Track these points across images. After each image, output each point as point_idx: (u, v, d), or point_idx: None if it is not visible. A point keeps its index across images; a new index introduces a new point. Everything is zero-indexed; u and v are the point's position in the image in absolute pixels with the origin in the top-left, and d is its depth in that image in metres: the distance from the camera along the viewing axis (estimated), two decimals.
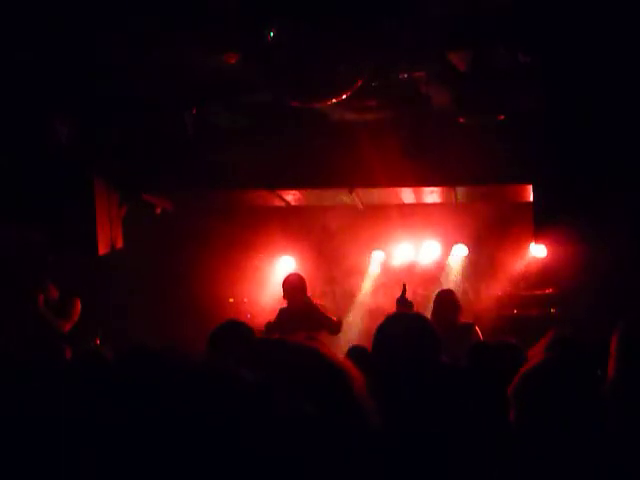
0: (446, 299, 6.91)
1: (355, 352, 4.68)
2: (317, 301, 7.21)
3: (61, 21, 5.00)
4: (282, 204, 8.77)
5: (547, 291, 9.04)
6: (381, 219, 8.84)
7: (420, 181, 7.64)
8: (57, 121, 6.48)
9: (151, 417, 0.97)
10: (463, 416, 2.81)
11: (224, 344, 3.59)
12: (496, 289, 9.18)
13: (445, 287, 7.85)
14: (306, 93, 4.99)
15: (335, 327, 6.88)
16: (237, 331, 3.99)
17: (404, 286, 6.48)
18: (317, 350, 1.34)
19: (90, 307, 7.30)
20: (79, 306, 7.10)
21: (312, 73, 4.80)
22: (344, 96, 4.99)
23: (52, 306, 7.01)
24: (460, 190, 8.09)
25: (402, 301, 6.43)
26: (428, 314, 6.13)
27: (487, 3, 5.06)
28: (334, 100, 5.04)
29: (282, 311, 7.06)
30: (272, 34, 4.65)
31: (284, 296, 7.06)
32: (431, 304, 7.14)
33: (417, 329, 3.08)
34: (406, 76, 5.96)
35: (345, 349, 4.89)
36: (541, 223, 6.53)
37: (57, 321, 6.92)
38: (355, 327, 8.64)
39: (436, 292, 7.24)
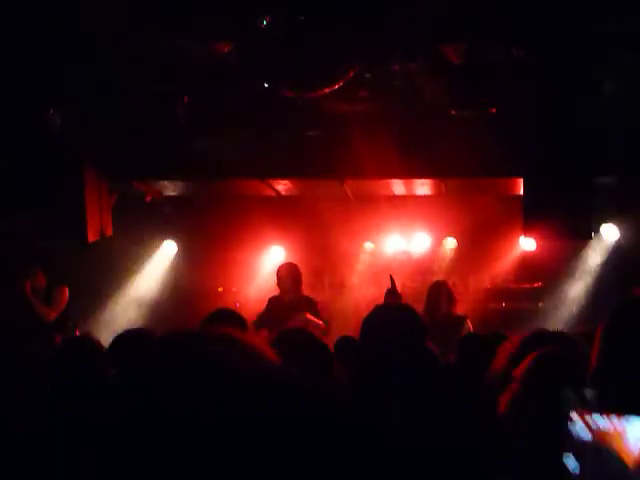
0: (439, 290, 6.94)
1: (343, 342, 4.70)
2: (312, 297, 7.12)
3: (55, 11, 4.98)
4: (273, 194, 8.77)
5: (536, 284, 9.09)
6: (372, 210, 8.85)
7: (411, 173, 7.65)
8: (49, 109, 6.44)
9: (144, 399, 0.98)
10: (449, 406, 2.83)
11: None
12: (485, 282, 9.23)
13: (434, 279, 7.88)
14: (299, 82, 4.98)
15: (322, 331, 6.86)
16: (227, 319, 4.01)
17: (391, 278, 6.49)
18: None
19: (76, 295, 7.26)
20: (66, 295, 7.04)
21: (305, 63, 4.79)
22: (337, 86, 4.98)
23: (39, 294, 6.95)
24: (451, 183, 8.11)
25: (391, 292, 6.44)
26: (417, 306, 6.15)
27: None
28: (327, 90, 5.03)
29: (272, 300, 7.00)
30: (265, 23, 4.64)
31: (278, 284, 7.00)
32: (420, 296, 7.17)
33: (404, 319, 3.10)
34: (399, 68, 5.95)
35: (334, 339, 4.91)
36: (531, 217, 6.56)
37: (43, 309, 6.87)
38: (344, 318, 8.66)
39: (429, 283, 7.27)
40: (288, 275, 6.90)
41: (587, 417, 1.57)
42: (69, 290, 7.09)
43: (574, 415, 1.58)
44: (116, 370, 3.32)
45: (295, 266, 7.10)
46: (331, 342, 4.91)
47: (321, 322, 6.59)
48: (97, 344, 3.85)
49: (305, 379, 1.14)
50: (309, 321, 6.35)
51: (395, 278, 7.04)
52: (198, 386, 0.99)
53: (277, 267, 7.18)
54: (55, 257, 7.38)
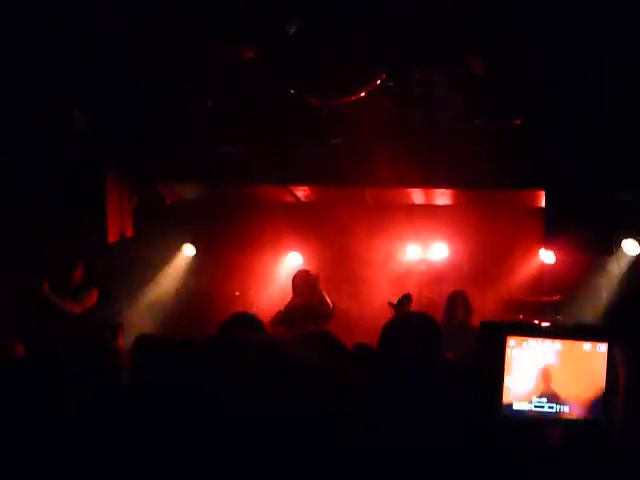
0: (457, 300, 6.95)
1: (360, 350, 4.69)
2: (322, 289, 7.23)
3: (84, 12, 5.03)
4: (292, 200, 8.78)
5: (554, 298, 9.03)
6: (390, 218, 8.83)
7: (431, 183, 7.64)
8: (75, 111, 6.51)
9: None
10: (467, 414, 2.83)
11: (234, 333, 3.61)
12: (503, 293, 9.18)
13: (452, 289, 7.86)
14: (324, 90, 5.00)
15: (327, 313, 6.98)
16: (246, 323, 4.01)
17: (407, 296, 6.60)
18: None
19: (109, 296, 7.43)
20: (95, 295, 7.20)
21: (331, 70, 4.82)
22: (362, 94, 5.00)
23: (70, 288, 7.11)
24: (471, 193, 8.09)
25: (401, 303, 6.55)
26: (435, 315, 6.15)
27: (503, 6, 5.07)
28: (352, 98, 5.05)
29: (290, 305, 7.09)
30: (292, 30, 4.66)
31: (293, 291, 7.09)
32: (437, 305, 7.16)
33: (422, 328, 3.10)
34: (422, 77, 5.96)
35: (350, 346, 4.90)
36: (551, 229, 6.54)
37: (67, 304, 7.01)
38: (361, 325, 8.65)
39: (446, 293, 7.27)
40: (303, 283, 7.02)
41: None
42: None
43: None
44: (134, 373, 3.34)
45: (309, 273, 7.23)
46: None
47: (329, 301, 6.75)
48: (115, 346, 3.88)
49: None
50: (316, 284, 6.54)
51: (412, 287, 7.07)
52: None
53: (293, 274, 7.29)
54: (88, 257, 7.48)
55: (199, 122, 6.60)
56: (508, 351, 2.59)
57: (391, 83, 5.64)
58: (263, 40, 5.13)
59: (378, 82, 4.98)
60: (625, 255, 8.72)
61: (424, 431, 2.56)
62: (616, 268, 8.76)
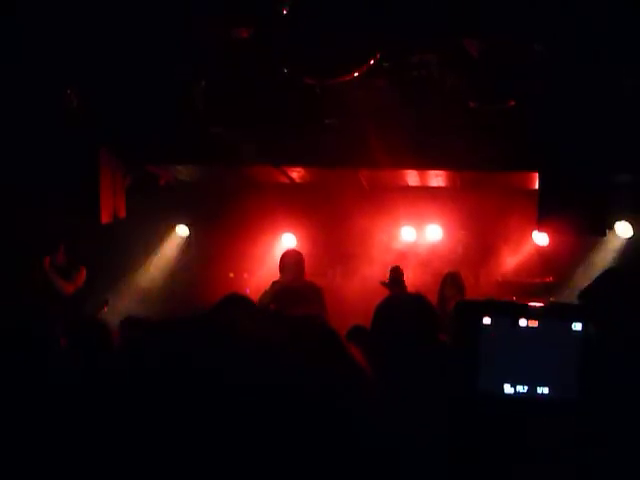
0: (453, 281, 6.98)
1: (356, 331, 4.71)
2: (317, 283, 7.10)
3: None
4: (287, 181, 8.76)
5: (547, 279, 9.06)
6: (385, 200, 8.83)
7: (426, 165, 7.63)
8: (67, 89, 6.47)
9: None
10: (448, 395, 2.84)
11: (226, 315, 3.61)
12: (496, 275, 9.20)
13: (445, 271, 7.89)
14: (318, 69, 4.97)
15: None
16: (239, 305, 4.02)
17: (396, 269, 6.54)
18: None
19: (97, 277, 7.42)
20: (84, 273, 7.24)
21: (325, 49, 4.78)
22: (356, 74, 4.97)
23: (59, 269, 7.14)
24: (465, 175, 8.09)
25: (394, 282, 6.51)
26: (429, 297, 6.16)
27: None
28: (346, 77, 5.02)
29: (276, 284, 6.91)
30: (287, 9, 4.63)
31: (281, 270, 6.94)
32: (431, 287, 7.18)
33: (416, 308, 3.11)
34: (418, 58, 5.92)
35: (346, 328, 4.91)
36: (545, 211, 6.54)
37: (62, 283, 7.05)
38: (354, 306, 8.67)
39: (440, 275, 7.30)
40: (294, 262, 6.90)
41: None
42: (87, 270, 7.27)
43: None
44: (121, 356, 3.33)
45: (300, 253, 7.11)
46: (338, 328, 4.92)
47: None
48: (105, 327, 3.88)
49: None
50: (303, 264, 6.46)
51: (406, 268, 7.06)
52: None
53: (282, 253, 7.17)
54: (70, 238, 7.48)
55: (193, 102, 6.56)
56: (483, 330, 2.57)
57: (386, 64, 5.61)
58: (257, 20, 5.09)
59: (372, 62, 4.95)
60: (618, 237, 8.75)
61: (413, 412, 2.56)
62: (609, 250, 8.79)
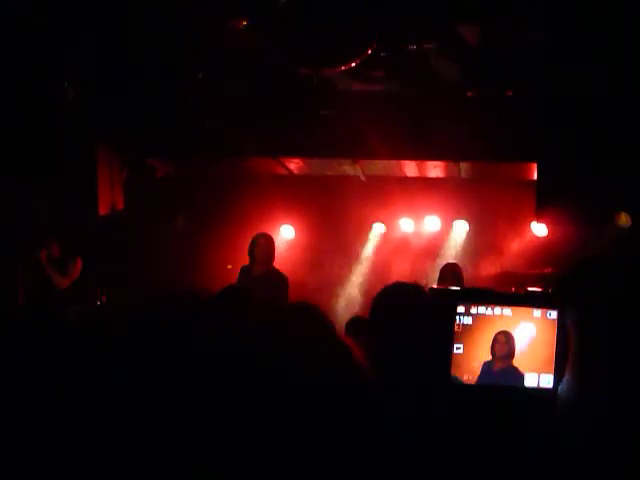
0: (451, 272, 6.97)
1: (354, 323, 4.71)
2: (284, 273, 6.86)
3: None
4: (285, 172, 8.74)
5: (546, 270, 9.05)
6: (383, 191, 8.81)
7: (423, 155, 7.61)
8: (64, 82, 6.45)
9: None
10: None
11: (224, 308, 3.61)
12: (495, 266, 9.19)
13: (443, 263, 7.87)
14: (315, 59, 4.95)
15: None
16: (237, 296, 4.02)
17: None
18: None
19: (93, 267, 7.38)
20: (79, 264, 7.21)
21: (322, 39, 4.77)
22: (353, 64, 4.95)
23: (53, 262, 7.11)
24: (464, 166, 8.07)
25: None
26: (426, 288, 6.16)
27: None
28: (342, 67, 5.00)
29: (244, 270, 6.85)
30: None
31: (250, 253, 6.78)
32: (429, 278, 7.17)
33: (414, 299, 3.09)
34: (415, 48, 5.90)
35: (344, 320, 4.91)
36: (543, 202, 6.54)
37: (57, 277, 7.03)
38: (354, 298, 8.67)
39: (438, 266, 7.28)
40: (266, 246, 6.78)
41: None
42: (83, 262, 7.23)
43: None
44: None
45: (272, 239, 6.97)
46: (341, 321, 4.92)
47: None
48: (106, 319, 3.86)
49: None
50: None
51: (404, 259, 7.04)
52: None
53: (254, 237, 6.98)
54: (69, 230, 7.45)
55: (189, 95, 6.54)
56: (457, 318, 2.55)
57: (383, 54, 5.59)
58: (253, 10, 5.06)
59: (370, 52, 4.93)
60: (617, 227, 8.73)
61: (410, 402, 2.56)
62: (607, 240, 8.77)
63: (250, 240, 6.93)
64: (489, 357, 2.57)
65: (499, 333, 2.53)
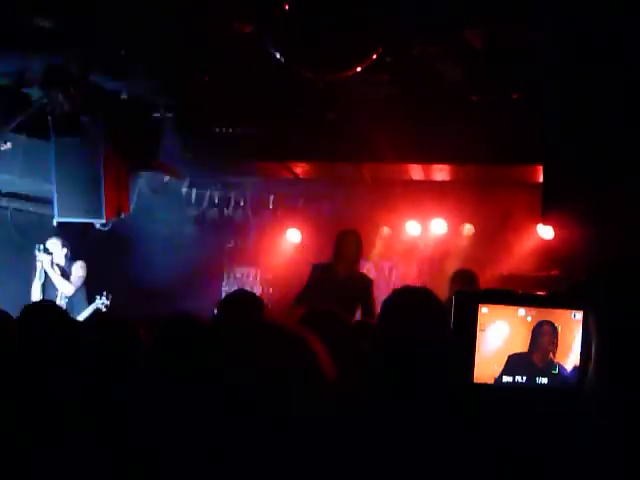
0: (464, 278, 6.92)
1: (360, 327, 4.70)
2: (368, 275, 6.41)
3: None
4: (290, 176, 8.76)
5: (552, 273, 9.04)
6: (389, 195, 8.82)
7: (429, 159, 7.62)
8: (71, 87, 6.48)
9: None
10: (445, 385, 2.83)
11: (233, 312, 3.62)
12: (501, 269, 9.18)
13: (450, 266, 7.87)
14: (320, 64, 4.96)
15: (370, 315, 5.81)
16: (245, 301, 4.02)
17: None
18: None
19: (99, 273, 7.41)
20: (84, 269, 7.23)
21: (327, 44, 4.77)
22: (358, 69, 4.96)
23: (59, 268, 7.14)
24: (470, 169, 8.07)
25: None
26: (437, 292, 6.14)
27: None
28: (348, 73, 5.01)
29: (320, 270, 6.04)
30: (288, 4, 4.62)
31: (336, 253, 5.98)
32: (435, 281, 7.17)
33: (424, 303, 3.09)
34: (420, 52, 5.91)
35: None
36: (549, 204, 6.52)
37: (62, 283, 7.06)
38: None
39: (445, 269, 7.26)
40: (353, 244, 5.99)
41: None
42: (88, 267, 7.24)
43: None
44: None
45: (360, 236, 6.16)
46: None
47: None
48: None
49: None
50: None
51: (411, 263, 7.03)
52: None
53: (341, 232, 6.18)
54: (75, 235, 7.49)
55: (194, 100, 6.56)
56: (480, 319, 2.53)
57: (389, 59, 5.60)
58: (259, 15, 5.08)
59: (375, 57, 4.94)
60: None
61: (418, 407, 2.56)
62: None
63: (336, 236, 6.15)
64: (513, 357, 2.55)
65: (522, 334, 2.51)
